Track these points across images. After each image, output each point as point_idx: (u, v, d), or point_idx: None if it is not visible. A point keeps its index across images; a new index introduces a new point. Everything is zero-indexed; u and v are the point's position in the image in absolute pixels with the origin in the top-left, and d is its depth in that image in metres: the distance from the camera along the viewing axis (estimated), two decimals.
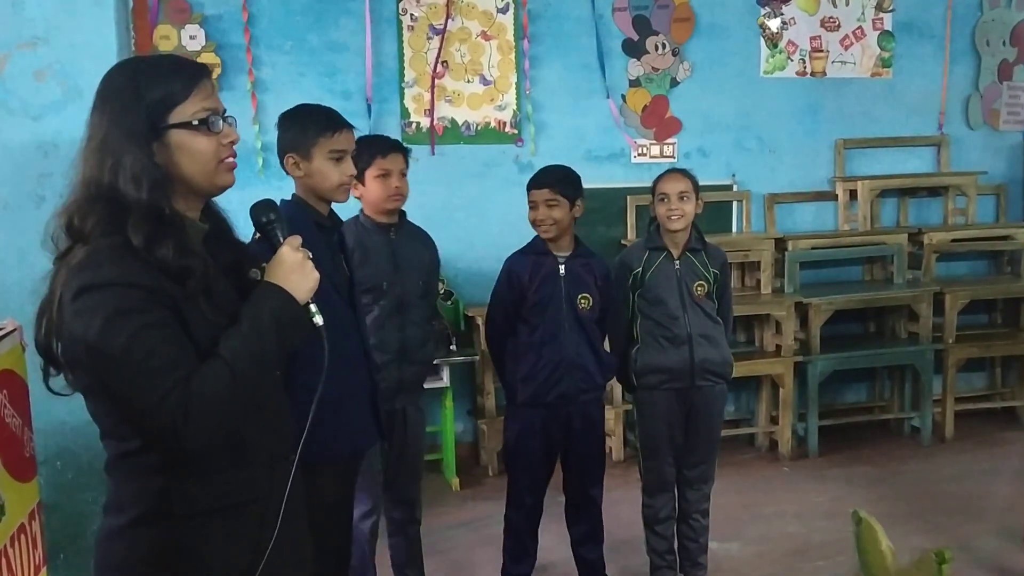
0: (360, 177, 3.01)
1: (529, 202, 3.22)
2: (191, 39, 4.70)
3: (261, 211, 1.70)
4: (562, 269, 3.23)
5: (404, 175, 3.10)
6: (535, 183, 3.22)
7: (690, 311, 3.32)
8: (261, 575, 1.57)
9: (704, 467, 3.46)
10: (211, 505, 1.55)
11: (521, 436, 3.29)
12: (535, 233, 3.27)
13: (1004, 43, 5.91)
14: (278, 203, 1.78)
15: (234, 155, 1.62)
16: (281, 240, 1.65)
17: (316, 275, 1.61)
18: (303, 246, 1.64)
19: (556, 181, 3.19)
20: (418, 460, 3.33)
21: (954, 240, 5.61)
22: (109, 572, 1.59)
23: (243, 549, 1.57)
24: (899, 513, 4.16)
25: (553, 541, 3.58)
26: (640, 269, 3.34)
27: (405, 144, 3.25)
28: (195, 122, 1.55)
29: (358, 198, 3.09)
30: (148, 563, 1.54)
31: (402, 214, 3.18)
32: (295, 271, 1.59)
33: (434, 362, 4.10)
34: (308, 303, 1.60)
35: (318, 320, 1.61)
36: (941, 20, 5.77)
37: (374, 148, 3.07)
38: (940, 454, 5.17)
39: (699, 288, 3.33)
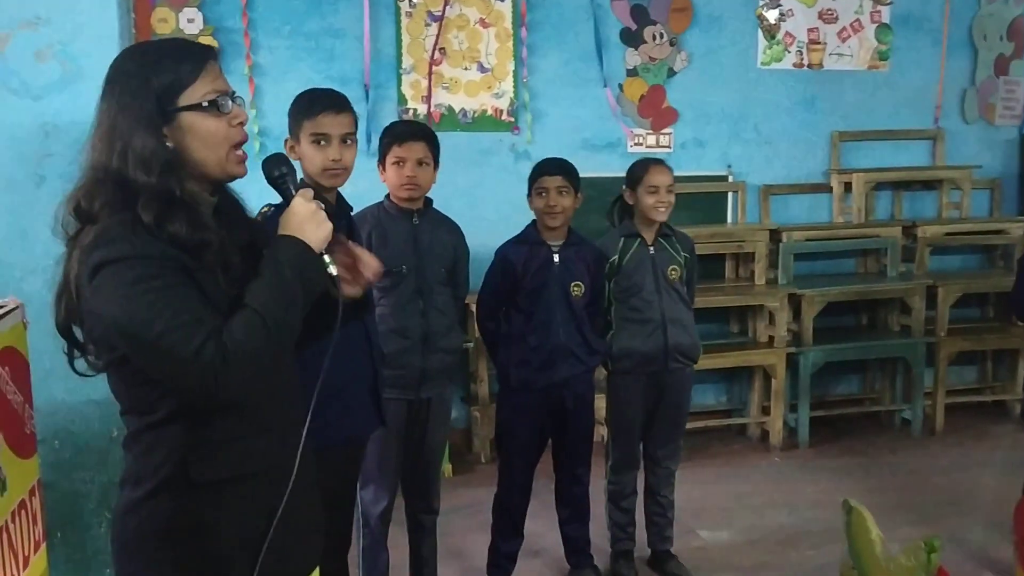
0: (383, 163, 3.06)
1: (538, 189, 3.23)
2: (189, 22, 4.69)
3: (273, 164, 1.71)
4: (556, 258, 3.26)
5: (425, 164, 3.04)
6: (548, 169, 3.25)
7: (664, 295, 3.42)
8: (274, 542, 1.60)
9: (672, 446, 3.60)
10: (228, 474, 1.58)
11: (513, 418, 3.35)
12: (529, 221, 3.31)
13: (1001, 37, 5.93)
14: None
15: (245, 137, 1.64)
16: (293, 192, 1.66)
17: (329, 225, 1.62)
18: None
19: (567, 170, 3.25)
20: (438, 451, 3.33)
21: (948, 234, 5.64)
22: (128, 545, 1.61)
23: (258, 517, 1.60)
24: (889, 504, 4.19)
25: (542, 524, 3.62)
26: (616, 257, 3.42)
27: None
28: (204, 103, 1.56)
29: (384, 183, 3.11)
30: (166, 533, 1.57)
31: (428, 201, 3.17)
32: (309, 221, 1.60)
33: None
34: (323, 252, 1.62)
35: (332, 270, 1.63)
36: (939, 13, 5.78)
37: (394, 134, 3.08)
38: (930, 446, 5.21)
39: (672, 272, 3.43)
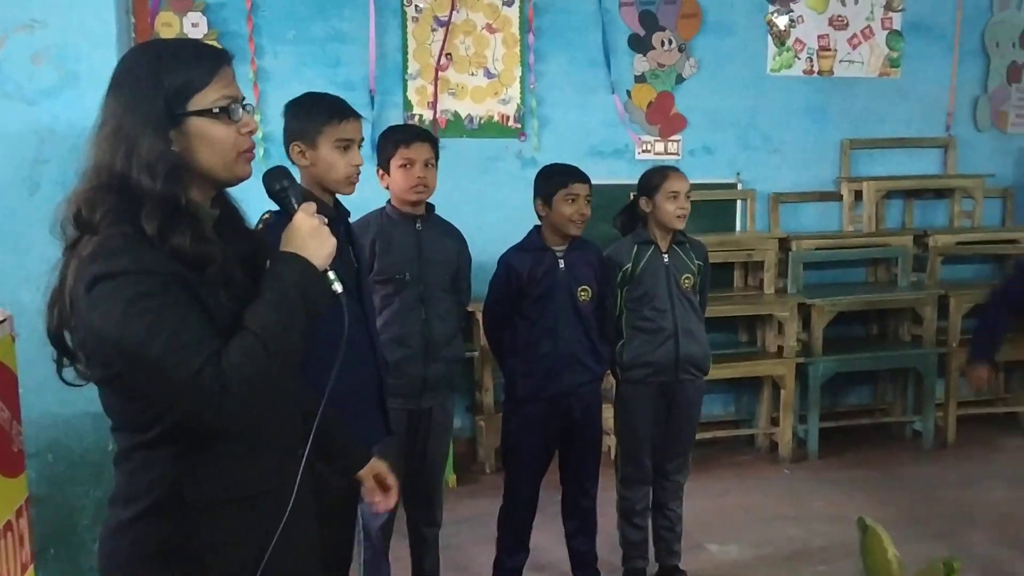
0: (386, 167, 3.00)
1: (569, 196, 3.16)
2: (193, 27, 4.65)
3: (275, 178, 1.65)
4: (561, 263, 3.21)
5: (431, 165, 3.03)
6: (579, 176, 3.20)
7: (677, 305, 3.37)
8: (270, 566, 1.53)
9: (681, 460, 3.54)
10: (223, 496, 1.52)
11: (520, 430, 3.28)
12: (532, 228, 3.28)
13: (1014, 45, 5.86)
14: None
15: (253, 145, 1.58)
16: (295, 206, 1.60)
17: (333, 241, 1.57)
18: None
19: (589, 179, 3.22)
20: (440, 462, 3.28)
21: (959, 243, 5.56)
22: (117, 567, 1.55)
23: (252, 542, 1.53)
24: (900, 518, 4.12)
25: (547, 538, 3.55)
26: (630, 265, 3.36)
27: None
28: (215, 110, 1.51)
29: (386, 188, 3.06)
30: (157, 556, 1.51)
31: (430, 207, 3.13)
32: (313, 237, 1.54)
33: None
34: (327, 270, 1.56)
35: (337, 287, 1.58)
36: (951, 20, 5.71)
37: (398, 137, 3.04)
38: (942, 459, 5.13)
39: (686, 281, 3.39)
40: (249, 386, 1.42)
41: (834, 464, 5.03)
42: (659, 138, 5.34)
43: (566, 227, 3.19)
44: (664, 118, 5.34)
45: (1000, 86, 5.86)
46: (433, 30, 4.98)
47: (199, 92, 1.50)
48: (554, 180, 3.20)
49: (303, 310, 1.50)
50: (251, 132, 1.56)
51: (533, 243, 3.25)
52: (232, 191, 1.64)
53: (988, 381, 3.27)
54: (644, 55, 5.28)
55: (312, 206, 1.60)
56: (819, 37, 5.52)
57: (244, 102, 1.56)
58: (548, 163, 3.38)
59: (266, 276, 1.52)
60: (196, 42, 1.63)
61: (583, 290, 3.22)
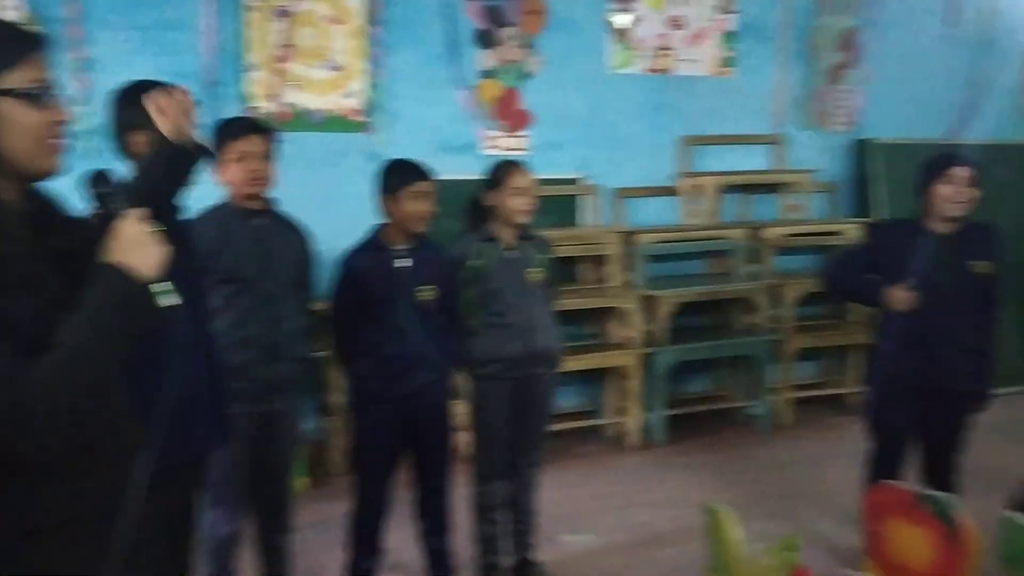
0: (221, 161, 2.86)
1: (416, 193, 3.11)
2: (9, 10, 4.31)
3: (97, 181, 1.53)
4: (403, 263, 3.16)
5: (268, 158, 2.92)
6: (424, 174, 3.15)
7: (527, 299, 3.37)
8: None
9: (535, 453, 3.56)
10: (54, 519, 1.40)
11: (368, 432, 3.23)
12: (373, 227, 3.22)
13: (833, 48, 6.22)
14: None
15: (62, 137, 1.46)
16: (120, 212, 1.48)
17: (162, 250, 1.46)
18: None
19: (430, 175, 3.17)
20: (288, 466, 3.17)
21: (789, 235, 5.86)
22: None
23: (90, 563, 1.42)
24: (742, 499, 4.29)
25: (402, 538, 3.51)
26: (477, 261, 3.34)
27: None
28: (24, 91, 1.39)
29: (223, 183, 2.91)
30: None
31: (271, 201, 3.00)
32: (138, 246, 1.43)
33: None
34: (153, 282, 1.44)
35: (167, 301, 1.45)
36: (779, 24, 6.00)
37: (232, 130, 2.91)
38: (779, 440, 5.39)
39: (534, 275, 3.39)
40: (56, 412, 1.30)
41: (680, 450, 5.20)
42: (506, 133, 5.37)
43: (411, 224, 3.14)
44: (511, 114, 5.38)
45: (822, 87, 6.21)
46: (272, 20, 4.82)
47: (7, 71, 1.39)
48: (398, 177, 3.14)
49: (122, 327, 1.39)
50: (60, 123, 1.45)
51: (373, 243, 3.19)
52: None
53: (908, 297, 3.30)
54: (490, 50, 5.29)
55: (139, 211, 1.48)
56: (659, 36, 5.69)
57: (55, 91, 1.45)
58: (393, 158, 3.31)
59: (85, 287, 1.39)
60: (10, 22, 1.52)
61: (425, 289, 3.17)
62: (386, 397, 3.17)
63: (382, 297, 3.13)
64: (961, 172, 3.37)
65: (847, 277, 3.66)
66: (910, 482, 3.46)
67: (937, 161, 3.44)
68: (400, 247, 3.16)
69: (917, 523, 3.18)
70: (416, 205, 3.11)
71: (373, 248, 3.18)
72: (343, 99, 5.00)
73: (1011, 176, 6.26)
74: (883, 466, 3.55)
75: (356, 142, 5.04)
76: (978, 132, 6.25)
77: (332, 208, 4.85)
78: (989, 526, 2.91)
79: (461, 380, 3.44)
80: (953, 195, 3.36)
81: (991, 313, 3.46)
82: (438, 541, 3.39)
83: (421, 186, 3.11)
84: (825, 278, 3.85)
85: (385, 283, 3.13)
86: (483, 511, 3.50)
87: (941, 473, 3.54)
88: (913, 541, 3.20)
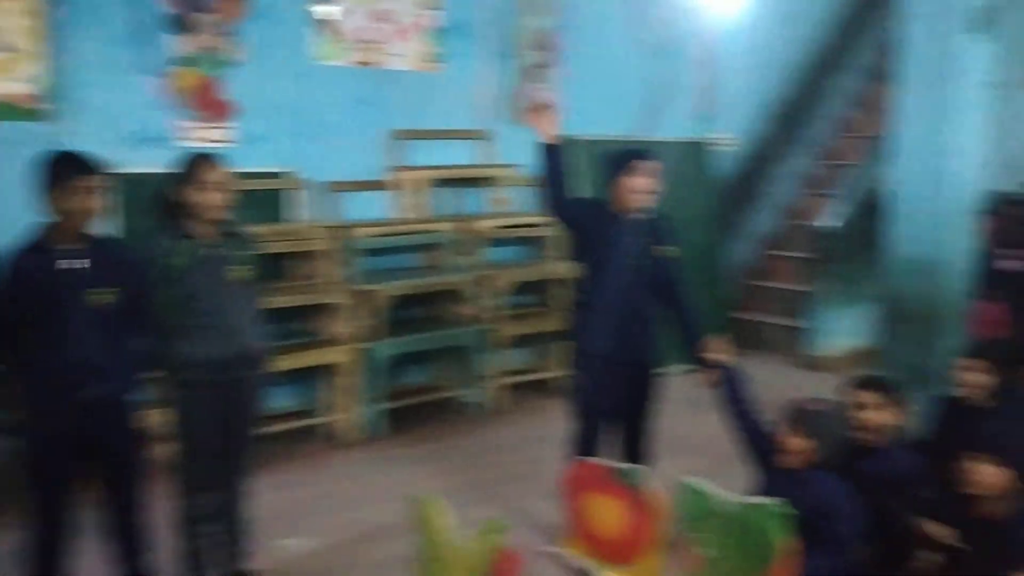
0: None
1: (78, 188, 2.87)
2: None
3: None
4: (71, 264, 2.91)
5: None
6: (91, 167, 2.91)
7: (228, 299, 3.23)
8: None
9: (246, 458, 3.44)
10: None
11: (38, 450, 2.97)
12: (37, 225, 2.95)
13: (532, 48, 6.49)
14: None
15: None
16: None
17: None
18: None
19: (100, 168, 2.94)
20: None
21: (499, 227, 6.05)
22: None
23: None
24: (461, 485, 4.38)
25: (95, 564, 3.24)
26: (171, 259, 3.14)
27: None
28: None
29: None
30: None
31: None
32: None
33: None
34: None
35: None
36: (484, 22, 6.17)
37: None
38: (494, 426, 5.55)
39: (236, 273, 3.25)
40: None
41: (401, 442, 5.22)
42: (207, 124, 5.10)
43: (78, 222, 2.91)
44: (212, 104, 5.12)
45: (523, 84, 6.46)
46: None
47: None
48: (62, 170, 2.90)
49: None
50: None
51: (37, 243, 2.92)
52: None
53: None
54: (187, 36, 5.00)
55: None
56: (366, 29, 5.65)
57: None
58: (56, 150, 3.01)
59: None
60: None
61: (104, 292, 2.95)
62: (52, 410, 2.92)
63: (45, 302, 2.87)
64: (646, 166, 3.67)
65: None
66: (607, 458, 3.70)
67: (623, 156, 3.72)
68: (68, 247, 2.91)
69: (611, 495, 3.40)
70: (82, 201, 2.88)
71: (35, 249, 2.91)
72: (15, 84, 4.52)
73: (689, 171, 6.87)
74: (583, 443, 3.79)
75: (35, 132, 4.56)
76: (661, 130, 6.85)
77: (6, 205, 4.38)
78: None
79: (161, 386, 3.22)
80: (639, 187, 3.65)
81: (676, 293, 3.79)
82: (134, 563, 3.18)
83: (88, 180, 2.88)
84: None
85: (49, 287, 2.87)
86: (187, 525, 3.31)
87: (637, 441, 3.83)
88: (608, 512, 3.42)
